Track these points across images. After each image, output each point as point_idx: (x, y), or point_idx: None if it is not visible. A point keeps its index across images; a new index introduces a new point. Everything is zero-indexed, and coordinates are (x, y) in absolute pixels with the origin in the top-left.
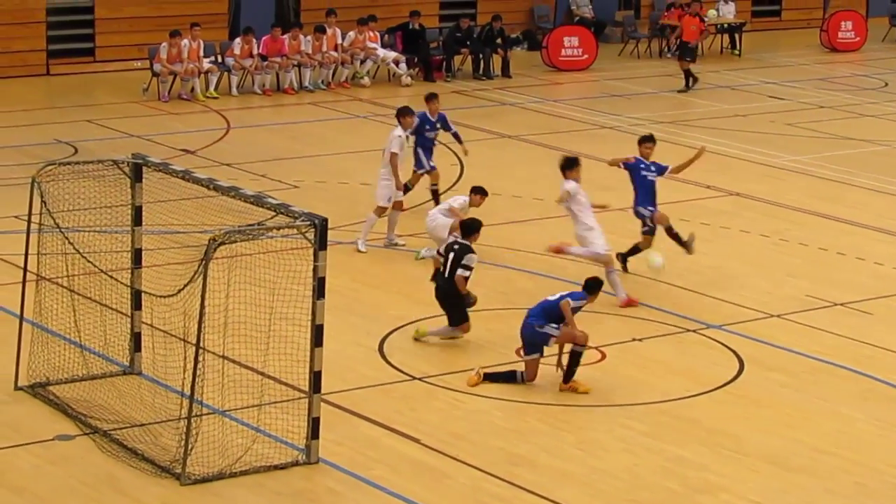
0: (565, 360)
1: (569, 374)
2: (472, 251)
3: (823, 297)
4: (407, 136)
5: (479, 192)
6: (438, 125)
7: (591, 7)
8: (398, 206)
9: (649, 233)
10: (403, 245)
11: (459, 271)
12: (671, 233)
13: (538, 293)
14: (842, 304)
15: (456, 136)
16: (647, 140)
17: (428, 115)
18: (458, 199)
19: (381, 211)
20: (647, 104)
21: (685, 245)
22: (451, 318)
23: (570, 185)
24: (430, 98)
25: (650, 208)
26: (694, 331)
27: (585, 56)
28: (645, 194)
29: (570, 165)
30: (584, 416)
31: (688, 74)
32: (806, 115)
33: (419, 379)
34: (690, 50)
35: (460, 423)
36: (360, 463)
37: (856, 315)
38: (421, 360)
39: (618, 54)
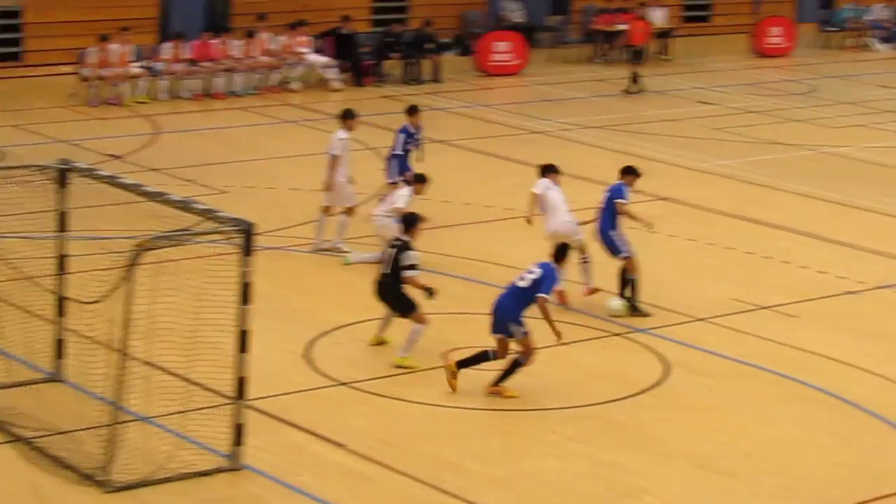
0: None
1: (500, 379)
2: (409, 248)
3: (749, 300)
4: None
5: (420, 179)
6: (417, 137)
7: (522, 12)
8: (328, 210)
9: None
10: (348, 251)
11: (409, 273)
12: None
13: (469, 298)
14: (767, 308)
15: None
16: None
17: (409, 127)
18: (401, 197)
19: (350, 211)
20: (578, 109)
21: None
22: (401, 312)
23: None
24: (413, 111)
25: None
26: (620, 335)
27: (516, 61)
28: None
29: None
30: (511, 420)
31: (635, 77)
32: (735, 120)
33: (346, 384)
34: (637, 52)
35: (387, 429)
36: (285, 469)
37: (781, 318)
38: (348, 366)
39: (548, 59)
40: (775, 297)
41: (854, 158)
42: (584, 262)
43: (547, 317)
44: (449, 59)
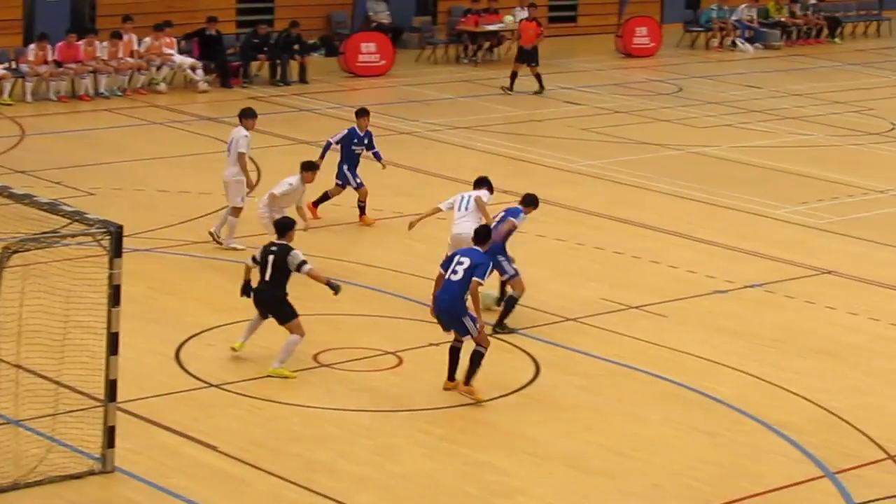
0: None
1: (470, 376)
2: (292, 248)
3: (619, 300)
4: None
5: (308, 167)
6: (366, 141)
7: (388, 13)
8: (237, 212)
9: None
10: (242, 249)
11: (305, 268)
12: None
13: (337, 299)
14: (637, 308)
15: (376, 155)
16: None
17: (357, 129)
18: (283, 184)
19: (237, 211)
20: (445, 110)
21: None
22: (281, 319)
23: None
24: (361, 113)
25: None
26: (491, 335)
27: (383, 62)
28: None
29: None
30: (382, 421)
31: (514, 77)
32: (602, 120)
33: (216, 386)
34: (529, 53)
35: (258, 431)
36: (157, 471)
37: (651, 318)
38: (218, 368)
39: (415, 60)
40: (645, 296)
41: (722, 158)
42: None
43: (476, 304)
44: (316, 60)
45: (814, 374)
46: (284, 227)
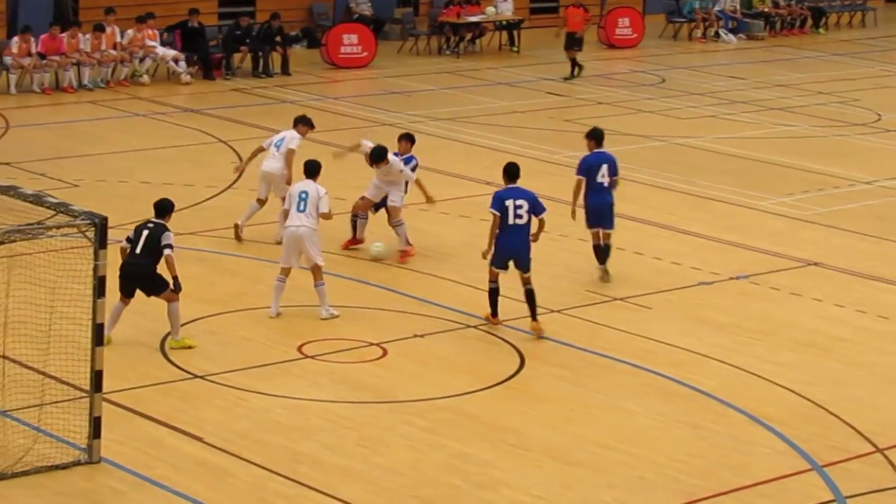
0: None
1: (534, 313)
2: (167, 229)
3: (603, 292)
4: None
5: (304, 122)
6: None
7: (370, 4)
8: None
9: None
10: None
11: (168, 252)
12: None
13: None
14: (621, 299)
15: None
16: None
17: (398, 154)
18: (293, 139)
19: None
20: (426, 101)
21: None
22: (154, 291)
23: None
24: (402, 138)
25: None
26: (475, 326)
27: (365, 53)
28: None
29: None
30: (365, 412)
31: (574, 63)
32: (584, 112)
33: (200, 377)
34: (577, 40)
35: (243, 422)
36: (142, 462)
37: (634, 310)
38: (202, 359)
39: (397, 52)
40: (629, 288)
41: (705, 149)
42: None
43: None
44: (297, 51)
45: (800, 367)
46: (164, 208)
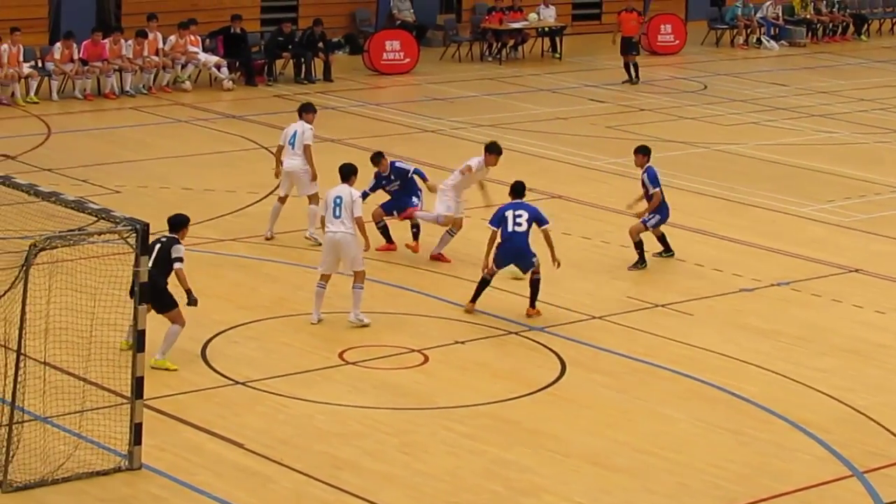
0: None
1: (534, 300)
2: (179, 242)
3: (644, 298)
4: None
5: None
6: (393, 177)
7: (412, 11)
8: (315, 199)
9: None
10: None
11: (178, 265)
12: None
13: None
14: (662, 306)
15: (419, 173)
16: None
17: (381, 173)
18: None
19: (315, 198)
20: (468, 107)
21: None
22: (161, 308)
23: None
24: (374, 158)
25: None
26: (516, 333)
27: (407, 60)
28: None
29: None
30: (406, 419)
31: (628, 67)
32: (626, 118)
33: (242, 384)
34: (633, 44)
35: (284, 428)
36: (183, 468)
37: (675, 316)
38: (244, 365)
39: (439, 58)
40: (671, 295)
41: (747, 156)
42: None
43: (549, 242)
44: (339, 58)
45: (840, 373)
46: (178, 223)
